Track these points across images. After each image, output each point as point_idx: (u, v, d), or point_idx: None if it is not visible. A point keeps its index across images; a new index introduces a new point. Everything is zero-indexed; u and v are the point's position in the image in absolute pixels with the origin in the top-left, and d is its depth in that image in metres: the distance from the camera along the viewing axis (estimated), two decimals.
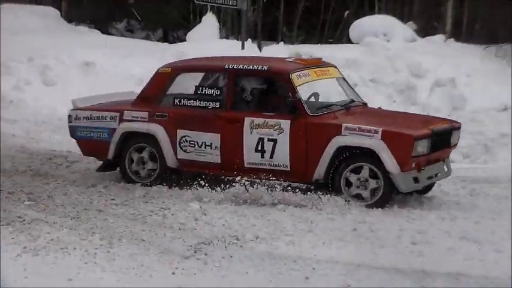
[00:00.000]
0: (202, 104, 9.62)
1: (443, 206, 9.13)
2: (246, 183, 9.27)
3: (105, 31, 20.89)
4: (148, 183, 9.79)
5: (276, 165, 9.27)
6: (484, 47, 17.58)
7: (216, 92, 9.62)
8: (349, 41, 17.63)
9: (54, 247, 7.45)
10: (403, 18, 18.78)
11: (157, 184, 9.75)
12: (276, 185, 9.23)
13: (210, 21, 18.30)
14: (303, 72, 9.55)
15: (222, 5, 17.12)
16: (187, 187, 9.56)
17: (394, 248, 7.66)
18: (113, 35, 21.23)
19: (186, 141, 9.63)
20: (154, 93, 9.95)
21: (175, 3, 22.05)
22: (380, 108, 10.39)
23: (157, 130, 9.72)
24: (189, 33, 18.46)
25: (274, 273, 6.96)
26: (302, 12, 20.93)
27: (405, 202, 9.24)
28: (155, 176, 9.82)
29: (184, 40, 18.35)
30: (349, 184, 9.03)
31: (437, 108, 13.81)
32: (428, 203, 9.27)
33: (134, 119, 9.88)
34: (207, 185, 9.40)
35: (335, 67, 10.24)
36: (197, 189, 9.41)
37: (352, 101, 9.88)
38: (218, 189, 9.34)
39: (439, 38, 17.66)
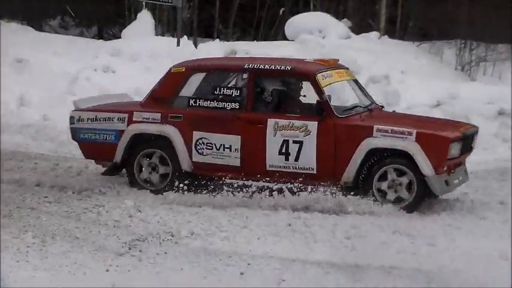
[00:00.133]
0: (220, 104, 9.23)
1: (376, 202, 9.19)
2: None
3: (38, 28, 20.61)
4: (160, 189, 9.30)
5: (302, 168, 8.99)
6: (418, 44, 17.82)
7: (235, 92, 9.25)
8: (285, 38, 17.68)
9: None
10: (338, 16, 18.92)
11: (170, 190, 9.24)
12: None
13: (145, 18, 18.17)
14: (326, 73, 9.28)
15: (157, 2, 17.04)
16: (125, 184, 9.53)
17: (329, 243, 7.72)
18: (46, 31, 20.97)
19: (203, 143, 9.24)
20: (167, 94, 9.47)
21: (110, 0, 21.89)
22: (394, 111, 10.30)
23: (172, 132, 9.27)
24: (124, 30, 18.31)
25: (209, 269, 6.96)
26: (238, 10, 20.94)
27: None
28: (168, 181, 9.35)
29: (120, 37, 18.21)
30: (380, 187, 8.84)
31: None
32: (361, 198, 9.31)
33: (145, 120, 9.42)
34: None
35: (348, 69, 9.98)
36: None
37: (371, 103, 9.64)
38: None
39: (373, 35, 17.83)
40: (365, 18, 19.36)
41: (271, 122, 9.06)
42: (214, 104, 9.27)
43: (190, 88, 9.52)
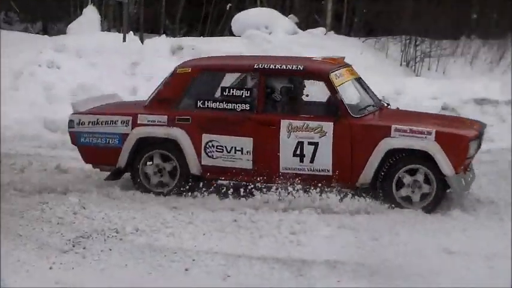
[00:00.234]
0: (230, 106, 9.00)
1: (321, 197, 9.23)
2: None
3: None
4: (164, 192, 9.11)
5: (317, 170, 8.82)
6: (363, 40, 17.96)
7: (246, 93, 9.02)
8: (232, 34, 17.69)
9: None
10: (285, 12, 18.97)
11: (176, 194, 9.08)
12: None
13: (91, 14, 18.05)
14: (338, 72, 9.12)
15: None
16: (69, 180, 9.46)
17: (274, 238, 7.74)
18: None
19: (213, 146, 9.02)
20: (173, 95, 9.18)
21: None
22: (398, 108, 10.18)
23: (180, 135, 9.03)
24: (69, 26, 18.17)
25: (154, 265, 6.94)
26: (184, 5, 20.89)
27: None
28: (175, 184, 9.13)
29: (65, 33, 18.05)
30: (398, 188, 8.71)
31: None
32: (305, 194, 9.34)
33: (151, 123, 9.14)
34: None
35: (351, 66, 9.77)
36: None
37: (379, 101, 9.50)
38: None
39: (319, 31, 17.92)
40: (311, 14, 19.47)
41: (284, 123, 8.89)
42: (223, 105, 9.03)
43: (197, 89, 9.26)
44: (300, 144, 8.83)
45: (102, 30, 18.16)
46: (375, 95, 9.60)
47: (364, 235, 7.85)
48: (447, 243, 7.54)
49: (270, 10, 18.05)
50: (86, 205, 8.58)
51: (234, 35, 17.32)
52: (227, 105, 9.03)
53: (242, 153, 8.96)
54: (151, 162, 9.19)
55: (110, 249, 7.27)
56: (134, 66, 14.47)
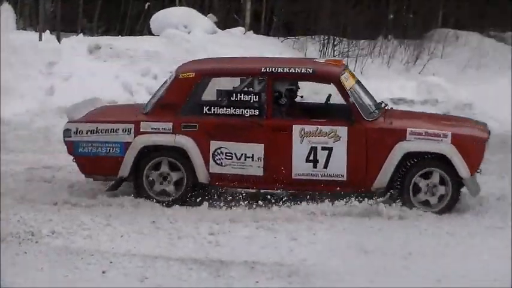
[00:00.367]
0: (238, 111, 8.77)
1: (241, 197, 9.22)
2: None
3: None
4: (174, 201, 8.85)
5: (331, 176, 8.69)
6: (282, 40, 18.01)
7: (254, 97, 8.81)
8: (151, 33, 17.56)
9: None
10: (204, 11, 18.91)
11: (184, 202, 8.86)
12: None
13: (6, 12, 17.71)
14: (346, 74, 9.03)
15: None
16: None
17: (192, 239, 7.72)
18: None
19: (222, 153, 8.77)
20: (176, 101, 8.87)
21: None
22: (392, 108, 9.96)
23: (187, 142, 8.75)
24: None
25: (71, 268, 6.88)
26: (102, 4, 20.65)
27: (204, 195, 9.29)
28: (181, 193, 8.86)
29: None
30: (415, 191, 8.67)
31: None
32: (225, 194, 9.34)
33: (155, 130, 8.84)
34: None
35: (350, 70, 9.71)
36: None
37: (381, 103, 9.34)
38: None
39: (239, 30, 17.90)
40: (230, 13, 19.44)
41: (296, 128, 8.72)
42: (231, 111, 8.80)
43: (202, 94, 9.03)
44: (313, 149, 8.70)
45: (18, 28, 17.82)
46: (373, 98, 9.50)
47: (282, 235, 7.88)
48: (364, 242, 7.61)
49: (189, 9, 17.96)
50: (1, 208, 8.41)
51: (153, 34, 17.20)
52: (235, 111, 8.80)
53: (253, 160, 8.76)
54: (154, 171, 8.90)
55: (25, 252, 7.18)
56: (51, 66, 14.24)
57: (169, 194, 8.87)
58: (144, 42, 16.01)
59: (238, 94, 8.87)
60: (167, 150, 8.83)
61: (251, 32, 18.08)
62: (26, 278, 6.62)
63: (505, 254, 7.36)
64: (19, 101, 12.89)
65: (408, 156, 8.63)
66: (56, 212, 8.37)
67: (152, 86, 13.50)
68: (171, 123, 8.82)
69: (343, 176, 8.69)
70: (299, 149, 8.71)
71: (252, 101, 8.81)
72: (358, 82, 9.37)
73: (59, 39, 16.20)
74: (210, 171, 8.81)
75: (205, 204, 8.71)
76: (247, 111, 8.78)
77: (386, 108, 9.33)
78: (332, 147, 8.67)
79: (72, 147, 9.05)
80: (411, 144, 8.65)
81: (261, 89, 8.93)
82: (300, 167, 8.73)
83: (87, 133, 8.97)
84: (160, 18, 17.35)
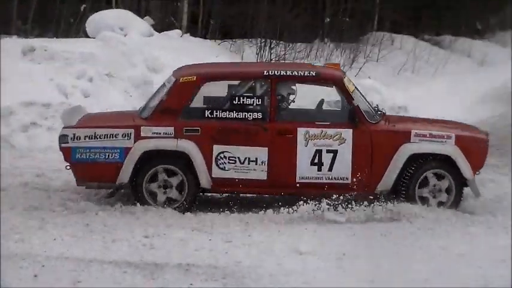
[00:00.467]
0: (241, 115, 8.72)
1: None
2: None
3: None
4: (176, 208, 8.69)
5: (335, 178, 8.70)
6: (219, 42, 18.03)
7: (257, 101, 8.76)
8: (86, 35, 17.42)
9: None
10: (140, 13, 18.84)
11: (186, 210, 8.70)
12: None
13: None
14: (347, 78, 9.04)
15: None
16: None
17: (127, 242, 7.66)
18: None
19: (225, 157, 8.66)
20: (177, 105, 8.71)
21: None
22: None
23: (190, 147, 8.62)
24: None
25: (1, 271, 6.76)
26: (37, 5, 20.44)
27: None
28: (183, 200, 8.73)
29: None
30: (421, 193, 8.76)
31: None
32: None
33: (156, 135, 8.67)
34: None
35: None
36: None
37: (376, 108, 9.33)
38: None
39: (175, 33, 17.87)
40: (167, 16, 19.40)
41: (301, 131, 8.70)
42: (234, 114, 8.72)
43: (204, 98, 8.92)
44: (318, 152, 8.69)
45: None
46: (369, 102, 9.48)
47: (218, 238, 7.87)
48: (298, 244, 7.63)
49: (125, 11, 17.87)
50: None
51: (89, 37, 17.07)
52: (238, 115, 8.73)
53: (256, 164, 8.68)
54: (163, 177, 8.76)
55: None
56: None
57: (174, 200, 8.74)
58: (80, 44, 15.87)
59: (241, 97, 8.79)
60: (168, 155, 8.69)
61: (188, 34, 18.07)
62: None
63: (435, 254, 7.49)
64: None
65: (413, 157, 8.72)
66: None
67: (87, 89, 13.41)
68: (173, 128, 8.68)
69: (347, 178, 8.73)
70: (304, 152, 8.71)
71: (255, 104, 8.77)
72: (355, 87, 9.39)
73: None
74: (213, 176, 8.70)
75: (140, 206, 8.64)
76: (250, 115, 8.74)
77: (383, 112, 9.37)
78: (337, 150, 8.70)
79: (68, 154, 8.77)
80: (416, 146, 8.76)
81: (264, 92, 8.86)
82: (304, 171, 8.72)
83: (85, 139, 8.72)
84: (96, 20, 17.22)
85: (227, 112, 8.74)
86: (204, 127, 8.68)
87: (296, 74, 8.89)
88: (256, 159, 8.68)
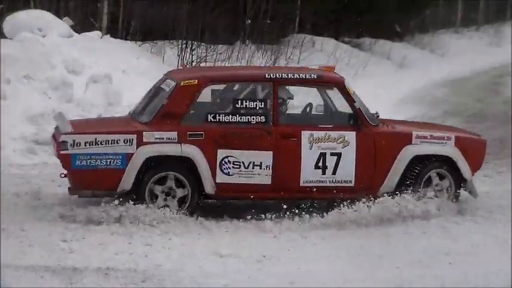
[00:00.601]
0: (244, 119, 8.53)
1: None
2: None
3: None
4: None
5: (339, 182, 8.63)
6: (140, 44, 17.91)
7: (260, 104, 8.60)
8: (3, 36, 17.10)
9: None
10: (59, 14, 18.58)
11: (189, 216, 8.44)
12: None
13: None
14: (347, 81, 8.95)
15: None
16: None
17: (44, 246, 7.52)
18: None
19: (229, 162, 8.46)
20: (179, 110, 8.48)
21: None
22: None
23: (194, 152, 8.39)
24: None
25: None
26: None
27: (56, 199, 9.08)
28: (186, 207, 8.47)
29: None
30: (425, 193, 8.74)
31: (93, 104, 13.78)
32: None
33: (159, 140, 8.39)
34: None
35: None
36: None
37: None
38: None
39: (95, 34, 17.67)
40: (87, 16, 19.15)
41: (305, 134, 8.59)
42: (237, 118, 8.54)
43: (206, 102, 8.73)
44: (323, 155, 8.60)
45: None
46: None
47: (138, 241, 7.79)
48: (218, 246, 7.62)
49: (44, 12, 17.57)
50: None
51: (6, 37, 16.75)
52: (241, 118, 8.55)
53: (261, 168, 8.53)
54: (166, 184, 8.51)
55: None
56: None
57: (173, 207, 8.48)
58: None
59: (244, 101, 8.64)
60: (171, 161, 8.48)
61: (108, 35, 17.89)
62: None
63: (356, 254, 7.55)
64: None
65: (415, 159, 8.77)
66: None
67: (4, 91, 13.14)
68: (176, 133, 8.45)
69: (351, 181, 8.69)
70: (308, 156, 8.61)
71: (258, 107, 8.63)
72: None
73: None
74: (217, 181, 8.51)
75: (58, 209, 8.49)
76: (253, 118, 8.59)
77: (378, 115, 9.31)
78: (341, 153, 8.64)
79: (68, 161, 8.39)
80: (418, 148, 8.81)
81: (266, 95, 8.74)
82: (308, 174, 8.63)
83: (85, 145, 8.35)
84: (14, 21, 16.91)
85: (230, 116, 8.58)
86: (208, 131, 8.50)
87: (298, 76, 8.86)
88: (261, 163, 8.54)
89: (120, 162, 8.35)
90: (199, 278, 6.85)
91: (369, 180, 8.72)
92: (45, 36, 16.29)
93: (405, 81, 18.82)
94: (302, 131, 8.62)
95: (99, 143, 8.34)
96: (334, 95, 8.94)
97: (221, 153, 8.48)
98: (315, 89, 9.08)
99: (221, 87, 8.91)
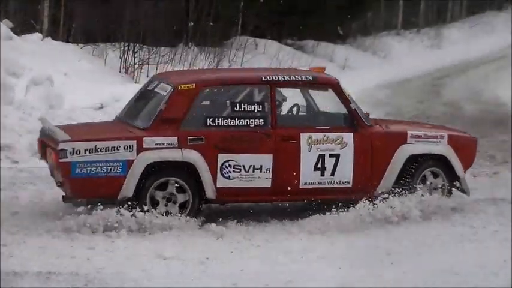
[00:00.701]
0: (243, 122, 8.48)
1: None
2: None
3: None
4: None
5: (337, 183, 8.63)
6: (82, 46, 17.74)
7: (258, 107, 8.56)
8: None
9: None
10: None
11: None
12: None
13: None
14: (341, 82, 8.94)
15: None
16: None
17: None
18: None
19: (230, 166, 8.38)
20: (178, 114, 8.38)
21: None
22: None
23: (196, 157, 8.28)
24: None
25: None
26: None
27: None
28: (187, 212, 8.33)
29: None
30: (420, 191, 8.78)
31: (34, 107, 13.61)
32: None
33: (159, 146, 8.26)
34: None
35: None
36: None
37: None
38: None
39: (36, 36, 17.45)
40: (27, 18, 18.89)
41: (304, 136, 8.57)
42: (237, 121, 8.49)
43: (205, 106, 8.65)
44: (321, 157, 8.60)
45: None
46: None
47: (79, 244, 7.74)
48: (162, 249, 7.58)
49: None
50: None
51: None
52: (240, 122, 8.50)
53: (261, 172, 8.48)
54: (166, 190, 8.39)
55: None
56: None
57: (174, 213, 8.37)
58: None
59: (243, 104, 8.59)
60: (172, 166, 8.37)
61: (49, 38, 17.68)
62: None
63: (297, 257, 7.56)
64: None
65: (410, 158, 8.84)
66: None
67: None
68: (176, 138, 8.35)
69: (349, 182, 8.71)
70: (307, 158, 8.60)
71: (255, 110, 8.59)
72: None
73: None
74: (218, 185, 8.44)
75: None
76: (252, 121, 8.55)
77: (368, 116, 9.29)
78: (339, 154, 8.66)
79: (68, 169, 8.18)
80: (413, 147, 8.90)
81: (264, 98, 8.71)
82: (307, 176, 8.62)
83: (85, 152, 8.18)
84: None
85: (229, 119, 8.53)
86: (208, 136, 8.43)
87: (293, 78, 8.90)
88: (261, 166, 8.51)
89: (120, 169, 8.23)
90: (143, 281, 6.81)
91: (367, 181, 8.78)
92: None
93: (348, 83, 18.88)
94: (301, 133, 8.64)
95: (99, 150, 8.20)
96: (328, 96, 9.00)
97: (222, 157, 8.44)
98: (307, 90, 9.07)
99: (218, 90, 8.82)
